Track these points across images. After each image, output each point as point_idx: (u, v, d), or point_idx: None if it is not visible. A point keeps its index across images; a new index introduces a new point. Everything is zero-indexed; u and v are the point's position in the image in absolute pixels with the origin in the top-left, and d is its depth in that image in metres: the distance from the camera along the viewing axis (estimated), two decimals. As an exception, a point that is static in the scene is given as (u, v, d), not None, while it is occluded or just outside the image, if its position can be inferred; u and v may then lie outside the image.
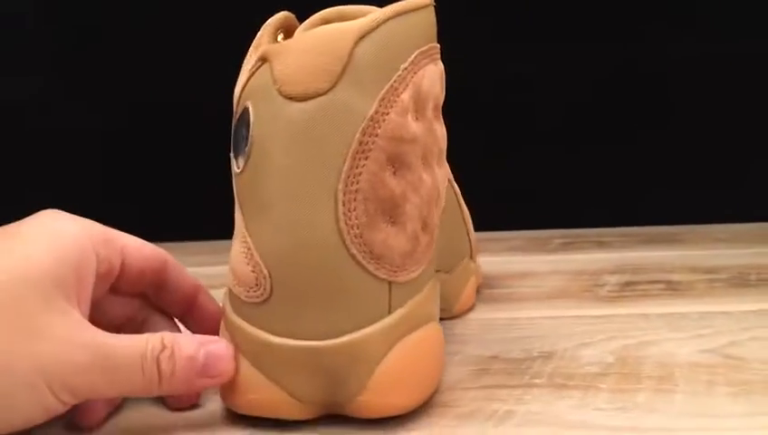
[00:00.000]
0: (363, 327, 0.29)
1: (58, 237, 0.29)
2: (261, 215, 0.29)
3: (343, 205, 0.28)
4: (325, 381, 0.29)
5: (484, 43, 0.55)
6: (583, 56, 0.72)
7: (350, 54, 0.28)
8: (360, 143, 0.28)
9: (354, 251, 0.29)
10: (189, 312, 0.33)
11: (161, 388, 0.29)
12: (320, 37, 0.29)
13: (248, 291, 0.30)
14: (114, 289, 0.32)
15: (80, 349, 0.28)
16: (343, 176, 0.28)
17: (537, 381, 0.35)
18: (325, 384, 0.29)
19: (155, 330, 0.32)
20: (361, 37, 0.28)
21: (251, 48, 0.32)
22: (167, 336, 0.30)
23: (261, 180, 0.29)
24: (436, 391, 0.32)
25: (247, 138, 0.29)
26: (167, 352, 0.29)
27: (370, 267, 0.29)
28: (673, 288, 0.49)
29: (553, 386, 0.35)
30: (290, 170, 0.29)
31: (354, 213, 0.28)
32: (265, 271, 0.29)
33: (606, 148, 0.75)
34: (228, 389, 0.30)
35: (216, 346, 0.30)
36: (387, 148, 0.28)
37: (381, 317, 0.29)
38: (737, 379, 0.34)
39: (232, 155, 0.30)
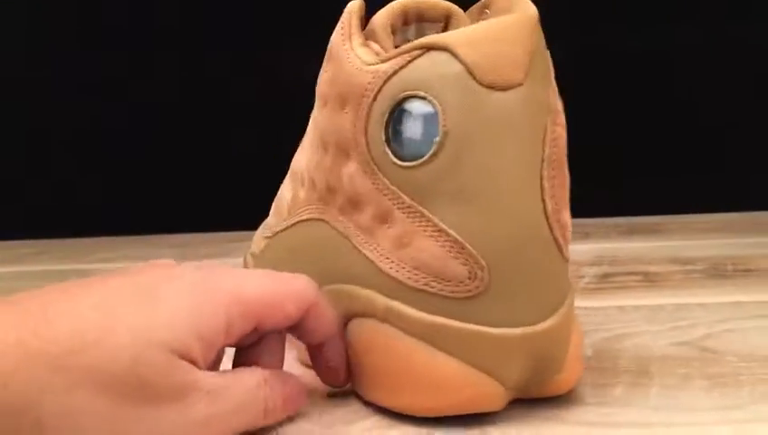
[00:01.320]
0: (560, 307, 0.33)
1: (193, 310, 0.30)
2: (465, 206, 0.31)
3: (547, 191, 0.31)
4: (533, 364, 0.32)
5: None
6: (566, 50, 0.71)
7: (533, 46, 0.31)
8: (552, 132, 0.32)
9: (557, 234, 0.32)
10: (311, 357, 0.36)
11: (265, 421, 0.32)
12: (506, 27, 0.31)
13: (458, 286, 0.31)
14: None
15: (194, 407, 0.29)
16: (545, 163, 0.31)
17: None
18: (532, 368, 0.32)
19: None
20: (535, 29, 0.31)
21: (342, 37, 0.34)
22: (259, 370, 0.33)
23: (461, 171, 0.31)
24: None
25: (425, 132, 0.31)
26: (268, 387, 0.32)
27: (564, 249, 0.32)
28: (650, 280, 0.50)
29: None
30: (499, 159, 0.31)
31: (554, 199, 0.32)
32: (483, 262, 0.31)
33: (586, 138, 0.74)
34: (430, 391, 0.32)
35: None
36: (563, 136, 0.32)
37: (566, 297, 0.33)
38: (712, 372, 0.38)
39: (388, 149, 0.32)
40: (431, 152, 0.31)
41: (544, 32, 0.32)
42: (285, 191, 0.42)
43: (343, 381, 0.36)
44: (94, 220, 0.84)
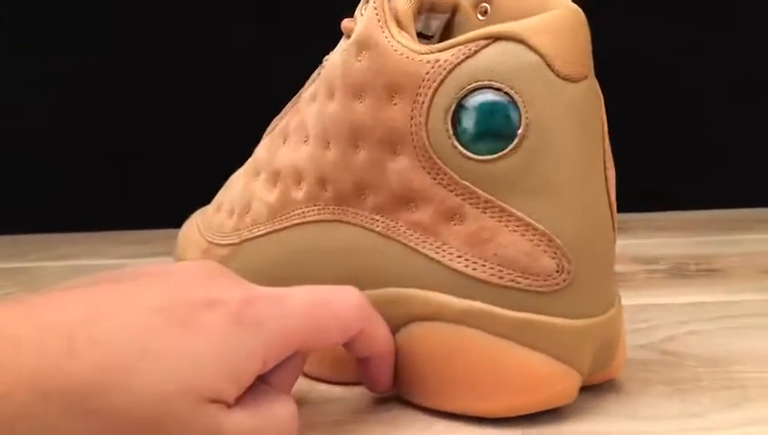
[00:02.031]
0: (616, 295, 0.35)
1: (230, 352, 0.29)
2: (548, 199, 0.32)
3: (609, 182, 0.33)
4: (600, 352, 0.33)
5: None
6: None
7: (589, 40, 0.33)
8: (605, 124, 0.33)
9: (614, 225, 0.34)
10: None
11: None
12: (567, 20, 0.32)
13: (546, 280, 0.32)
14: None
15: None
16: (606, 155, 0.33)
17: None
18: (599, 356, 0.33)
19: None
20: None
21: (379, 23, 0.33)
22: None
23: (542, 164, 0.31)
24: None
25: (505, 124, 0.31)
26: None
27: (615, 239, 0.35)
28: (614, 279, 0.48)
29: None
30: (578, 152, 0.32)
31: (611, 190, 0.33)
32: (569, 255, 0.32)
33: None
34: (524, 390, 0.31)
35: None
36: (607, 128, 0.35)
37: (616, 284, 0.36)
38: (672, 377, 0.38)
39: (457, 142, 0.32)
40: (512, 145, 0.32)
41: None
42: (260, 192, 0.40)
43: (387, 388, 0.36)
44: (49, 217, 0.81)
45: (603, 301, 0.34)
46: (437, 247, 0.33)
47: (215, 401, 0.28)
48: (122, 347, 0.27)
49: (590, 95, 0.33)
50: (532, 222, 0.32)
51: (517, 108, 0.32)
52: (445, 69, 0.32)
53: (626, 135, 0.83)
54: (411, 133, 0.33)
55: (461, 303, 0.33)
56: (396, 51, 0.33)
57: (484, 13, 0.37)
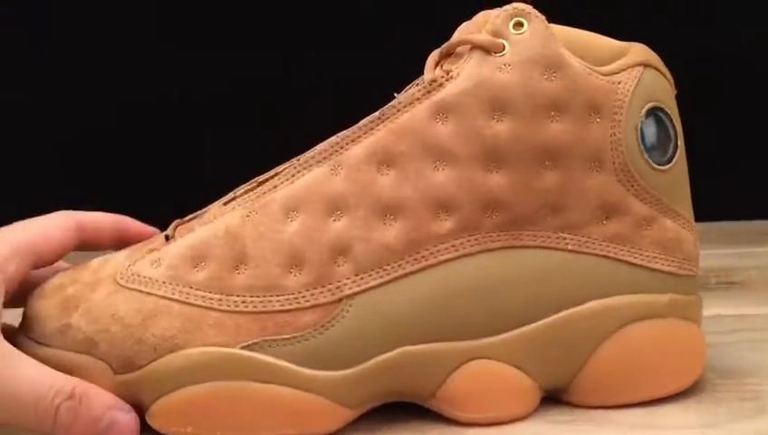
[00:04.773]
0: None
1: None
2: (688, 201, 0.37)
3: None
4: None
5: None
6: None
7: None
8: None
9: None
10: None
11: (54, 432, 0.32)
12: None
13: (696, 265, 0.37)
14: None
15: None
16: None
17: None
18: None
19: None
20: None
21: (558, 44, 0.35)
22: (79, 385, 0.32)
23: (682, 176, 0.37)
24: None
25: (670, 138, 0.36)
26: (72, 403, 0.31)
27: None
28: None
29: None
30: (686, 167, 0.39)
31: None
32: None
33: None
34: (701, 364, 0.37)
35: (124, 417, 0.32)
36: None
37: None
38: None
39: (649, 156, 0.35)
40: (677, 156, 0.37)
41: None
42: (362, 232, 0.33)
43: None
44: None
45: None
46: (635, 253, 0.36)
47: None
48: None
49: None
50: (690, 219, 0.38)
51: (673, 125, 0.38)
52: (628, 90, 0.36)
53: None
54: (612, 150, 0.35)
55: (665, 297, 0.37)
56: (585, 71, 0.35)
57: None
